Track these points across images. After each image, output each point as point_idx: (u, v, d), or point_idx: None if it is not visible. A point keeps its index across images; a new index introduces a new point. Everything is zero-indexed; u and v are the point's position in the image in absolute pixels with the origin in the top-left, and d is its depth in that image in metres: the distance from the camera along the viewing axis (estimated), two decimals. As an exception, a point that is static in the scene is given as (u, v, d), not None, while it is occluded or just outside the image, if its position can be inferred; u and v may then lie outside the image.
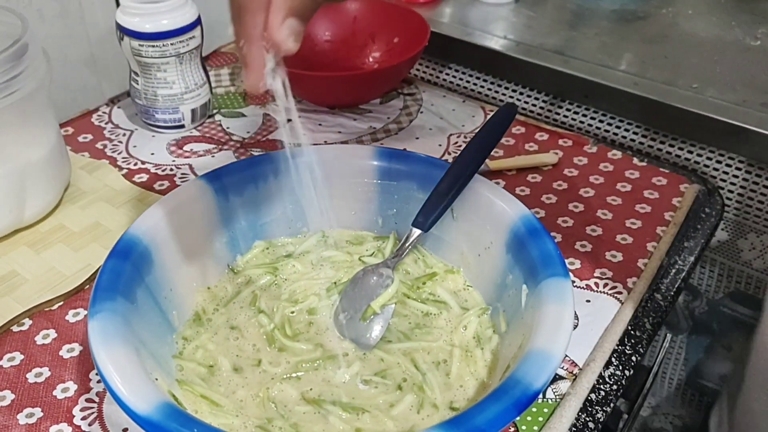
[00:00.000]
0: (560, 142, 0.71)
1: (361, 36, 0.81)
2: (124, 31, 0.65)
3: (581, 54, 0.80)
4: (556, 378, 0.47)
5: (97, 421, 0.44)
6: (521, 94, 0.82)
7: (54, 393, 0.46)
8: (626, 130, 0.76)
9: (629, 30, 0.86)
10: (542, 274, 0.42)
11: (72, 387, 0.46)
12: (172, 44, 0.66)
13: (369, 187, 0.53)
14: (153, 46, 0.65)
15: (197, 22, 0.67)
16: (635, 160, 0.68)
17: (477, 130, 0.71)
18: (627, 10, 0.91)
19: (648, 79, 0.75)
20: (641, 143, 0.75)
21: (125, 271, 0.42)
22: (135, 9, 0.64)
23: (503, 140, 0.71)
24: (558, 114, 0.79)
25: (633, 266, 0.56)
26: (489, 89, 0.84)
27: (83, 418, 0.45)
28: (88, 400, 0.46)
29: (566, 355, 0.48)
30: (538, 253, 0.44)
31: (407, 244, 0.50)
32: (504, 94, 0.83)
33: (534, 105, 0.81)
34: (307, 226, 0.54)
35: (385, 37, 0.80)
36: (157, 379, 0.39)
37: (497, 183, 0.64)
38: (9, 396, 0.46)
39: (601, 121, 0.77)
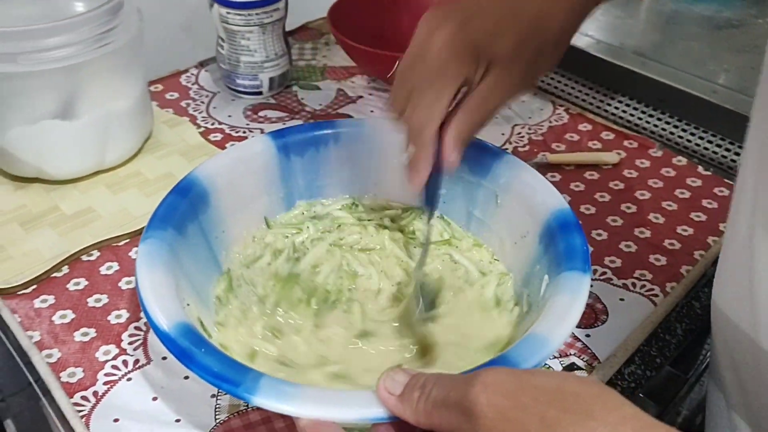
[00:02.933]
0: (625, 143, 0.70)
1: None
2: (214, -2, 0.70)
3: (663, 58, 0.78)
4: (574, 368, 0.48)
5: (141, 348, 0.49)
6: (597, 92, 0.81)
7: (108, 318, 0.51)
8: (699, 137, 0.74)
9: (719, 37, 0.84)
10: (564, 267, 0.43)
11: (124, 315, 0.51)
12: (257, 14, 0.70)
13: None
14: (239, 15, 0.69)
15: (282, -6, 0.71)
16: (700, 168, 0.66)
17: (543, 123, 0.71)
18: (721, 17, 0.87)
19: (728, 89, 0.73)
20: (710, 152, 0.73)
21: (181, 207, 0.47)
22: (227, -22, 0.69)
23: (567, 135, 0.71)
24: (631, 116, 0.78)
25: (675, 271, 0.55)
26: (563, 84, 0.84)
27: (130, 343, 0.49)
28: (136, 328, 0.50)
29: (588, 348, 0.49)
30: (564, 246, 0.45)
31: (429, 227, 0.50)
32: (579, 91, 0.82)
33: (606, 104, 0.80)
34: (357, 192, 0.57)
35: (465, 25, 0.81)
36: (188, 305, 0.43)
37: (552, 176, 0.65)
38: (70, 315, 0.51)
39: (675, 126, 0.76)
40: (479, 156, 0.53)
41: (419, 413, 0.31)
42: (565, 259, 0.44)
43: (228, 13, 0.69)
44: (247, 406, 0.45)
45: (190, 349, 0.37)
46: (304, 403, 0.34)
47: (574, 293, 0.41)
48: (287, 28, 0.76)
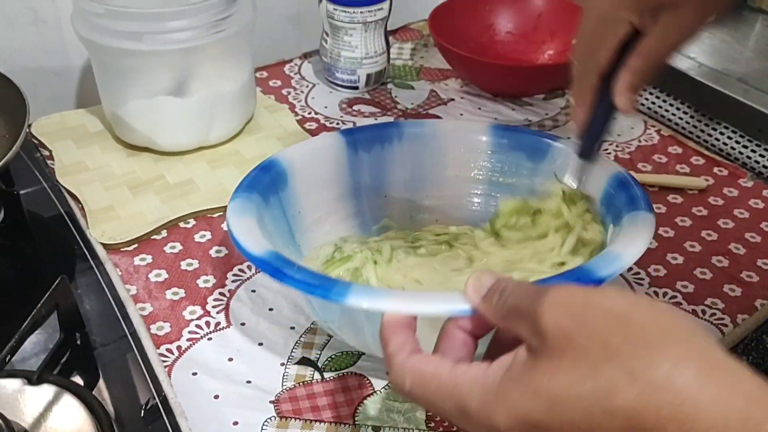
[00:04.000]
0: (715, 169, 0.69)
1: (542, 32, 0.83)
2: (323, -5, 0.74)
3: (767, 86, 0.76)
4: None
5: (223, 312, 0.53)
6: (691, 117, 0.80)
7: (197, 281, 0.56)
8: (796, 172, 0.72)
9: (832, 71, 0.80)
10: (626, 210, 0.46)
11: (212, 280, 0.56)
12: (361, 12, 0.73)
13: (481, 157, 0.58)
14: (345, 11, 0.73)
15: (388, -5, 0.74)
16: (791, 204, 0.65)
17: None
18: (837, 49, 0.84)
19: (833, 124, 0.70)
20: (810, 189, 0.71)
21: (264, 180, 0.51)
22: (337, -23, 0.73)
23: (655, 156, 0.70)
24: (725, 143, 0.76)
25: (749, 304, 0.54)
26: (658, 105, 0.83)
27: (213, 306, 0.54)
28: (221, 294, 0.55)
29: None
30: (625, 197, 0.48)
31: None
32: (674, 114, 0.81)
33: (700, 129, 0.79)
34: (421, 188, 0.59)
35: (564, 37, 0.82)
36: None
37: (634, 195, 0.65)
38: (164, 275, 0.56)
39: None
40: (535, 144, 0.56)
41: (496, 316, 0.33)
42: (628, 206, 0.47)
43: (335, 9, 0.73)
44: (312, 377, 0.48)
45: (283, 266, 0.42)
46: (393, 300, 0.37)
47: (641, 224, 0.44)
48: (390, 28, 0.79)
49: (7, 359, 0.44)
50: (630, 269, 0.57)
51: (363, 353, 0.50)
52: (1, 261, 0.59)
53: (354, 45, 0.75)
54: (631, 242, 0.43)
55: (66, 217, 0.61)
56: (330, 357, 0.50)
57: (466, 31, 0.81)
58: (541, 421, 0.28)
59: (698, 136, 0.78)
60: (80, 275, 0.56)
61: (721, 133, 0.77)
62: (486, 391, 0.29)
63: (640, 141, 0.73)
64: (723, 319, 0.53)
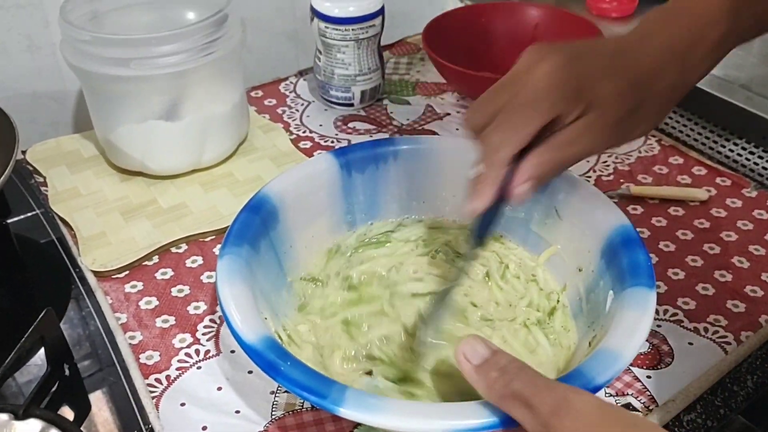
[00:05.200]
0: (718, 179, 0.67)
1: (533, 42, 0.82)
2: (315, 13, 0.73)
3: (771, 93, 0.75)
4: (630, 408, 0.47)
5: (213, 339, 0.52)
6: (693, 126, 0.78)
7: (187, 308, 0.55)
8: (803, 180, 0.70)
9: (838, 74, 0.78)
10: (629, 282, 0.44)
11: (202, 306, 0.55)
12: (353, 30, 0.72)
13: None
14: (336, 29, 0.72)
15: (380, 12, 0.73)
16: (796, 214, 0.63)
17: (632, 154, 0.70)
18: (843, 52, 0.82)
19: (839, 130, 0.68)
20: (817, 198, 0.69)
21: (254, 224, 0.49)
22: (329, -5, 0.72)
23: (656, 167, 0.69)
24: (730, 152, 0.75)
25: (753, 320, 0.53)
26: (662, 115, 0.81)
27: (203, 334, 0.53)
28: (211, 320, 0.54)
29: (647, 389, 0.48)
30: (628, 261, 0.45)
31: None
32: (677, 122, 0.80)
33: (703, 138, 0.77)
34: (415, 208, 0.58)
35: (562, 48, 0.81)
36: (266, 319, 0.46)
37: (634, 209, 0.63)
38: (154, 302, 0.55)
39: (776, 167, 0.72)
40: None
41: (492, 393, 0.32)
42: (630, 275, 0.44)
43: (326, 27, 0.73)
44: (302, 405, 0.47)
45: (276, 362, 0.39)
46: (389, 414, 0.36)
47: (641, 308, 0.41)
48: (386, 42, 0.78)
49: (-9, 394, 0.43)
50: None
51: (354, 380, 0.49)
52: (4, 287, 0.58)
53: (347, 62, 0.74)
54: (631, 336, 0.40)
55: (58, 245, 0.61)
56: (320, 384, 0.49)
57: (461, 45, 0.80)
58: None
59: (701, 146, 0.76)
60: (71, 304, 0.55)
61: (725, 142, 0.75)
62: None
63: (640, 152, 0.71)
64: (726, 336, 0.51)
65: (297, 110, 0.78)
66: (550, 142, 0.42)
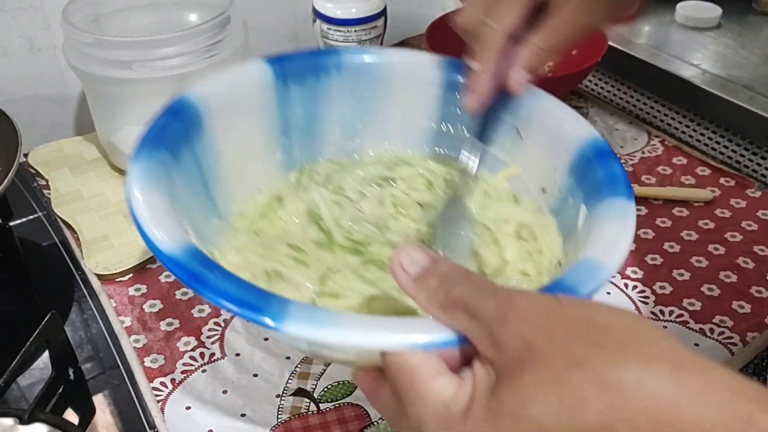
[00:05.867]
0: (722, 180, 0.67)
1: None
2: (317, 14, 0.73)
3: (774, 92, 0.75)
4: (636, 410, 0.46)
5: (218, 342, 0.52)
6: (698, 125, 0.78)
7: (192, 311, 0.55)
8: (806, 180, 0.70)
9: (840, 74, 0.78)
10: (606, 194, 0.40)
11: (206, 310, 0.55)
12: (355, 31, 0.72)
13: (431, 97, 0.51)
14: (338, 31, 0.72)
15: (382, 13, 0.73)
16: (801, 214, 0.63)
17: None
18: None
19: (843, 130, 0.68)
20: (821, 197, 0.69)
21: (174, 128, 0.42)
22: (331, -4, 0.72)
23: (659, 168, 0.69)
24: (733, 152, 0.75)
25: (759, 321, 0.52)
26: (662, 115, 0.81)
27: (208, 337, 0.53)
28: (215, 324, 0.54)
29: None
30: (603, 174, 0.41)
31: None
32: (679, 122, 0.80)
33: (706, 138, 0.77)
34: (361, 130, 0.52)
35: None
36: (187, 232, 0.38)
37: (638, 210, 0.63)
38: (158, 305, 0.55)
39: (779, 167, 0.72)
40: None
41: (433, 304, 0.29)
42: (607, 187, 0.40)
43: (329, 29, 0.72)
44: (308, 409, 0.47)
45: (201, 272, 0.32)
46: (342, 328, 0.29)
47: (622, 218, 0.38)
48: (389, 43, 0.78)
49: (-3, 399, 0.43)
50: (635, 287, 0.56)
51: (360, 382, 0.49)
52: (6, 292, 0.58)
53: (350, 63, 0.74)
54: (614, 246, 0.36)
55: (61, 248, 0.61)
56: (326, 387, 0.49)
57: (464, 45, 0.80)
58: None
59: (704, 146, 0.76)
60: (75, 307, 0.55)
61: (728, 143, 0.75)
62: (447, 424, 0.27)
63: (643, 152, 0.71)
64: (732, 337, 0.51)
65: (299, 112, 0.78)
66: (543, 26, 0.41)
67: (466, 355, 0.29)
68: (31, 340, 0.46)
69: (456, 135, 0.51)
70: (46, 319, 0.47)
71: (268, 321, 0.30)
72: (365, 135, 0.52)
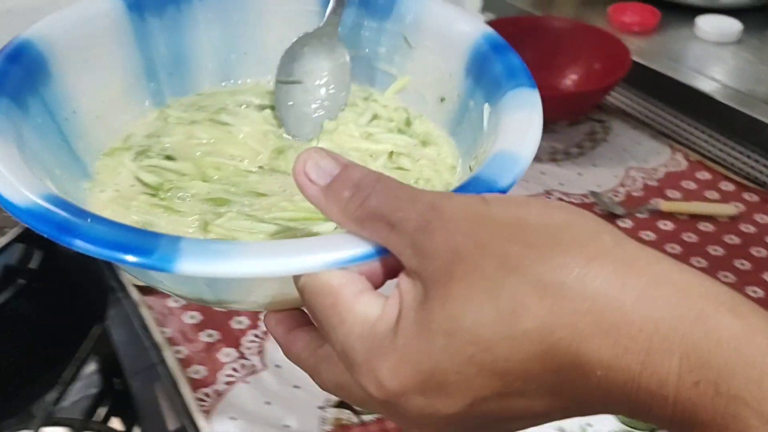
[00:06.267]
0: (745, 195, 0.68)
1: (563, 57, 0.83)
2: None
3: (795, 108, 0.76)
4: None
5: (258, 354, 0.53)
6: (719, 140, 0.79)
7: (230, 323, 0.56)
8: (827, 195, 0.71)
9: None
10: (507, 87, 0.37)
11: (245, 321, 0.56)
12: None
13: (311, 16, 0.45)
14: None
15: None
16: (824, 230, 0.64)
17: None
18: None
19: None
20: (842, 213, 0.70)
21: (13, 75, 0.36)
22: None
23: (683, 182, 0.70)
24: (753, 167, 0.76)
25: (787, 337, 0.54)
26: (683, 129, 0.82)
27: (248, 348, 0.54)
28: (255, 336, 0.55)
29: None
30: (501, 67, 0.38)
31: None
32: (700, 137, 0.81)
33: (727, 153, 0.78)
34: (236, 62, 0.47)
35: (585, 62, 0.82)
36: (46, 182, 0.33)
37: (664, 225, 0.65)
38: (198, 316, 0.56)
39: (800, 182, 0.73)
40: None
41: (348, 217, 0.26)
42: (507, 79, 0.38)
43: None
44: (350, 419, 0.48)
45: (72, 221, 0.27)
46: (247, 257, 0.26)
47: (528, 107, 0.35)
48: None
49: (53, 408, 0.44)
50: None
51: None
52: (38, 304, 0.59)
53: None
54: (523, 135, 0.34)
55: (96, 260, 0.62)
56: (366, 399, 0.50)
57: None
58: (436, 367, 0.23)
59: (726, 161, 0.77)
60: (115, 318, 0.56)
61: (749, 157, 0.76)
62: (372, 344, 0.24)
63: (667, 167, 0.73)
64: (761, 353, 0.52)
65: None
66: None
67: (390, 271, 0.26)
68: (80, 351, 0.47)
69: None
70: (92, 331, 0.49)
71: (158, 262, 0.26)
72: (242, 68, 0.46)
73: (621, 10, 0.91)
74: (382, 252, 0.26)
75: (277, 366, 0.52)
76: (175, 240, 0.26)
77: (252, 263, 0.25)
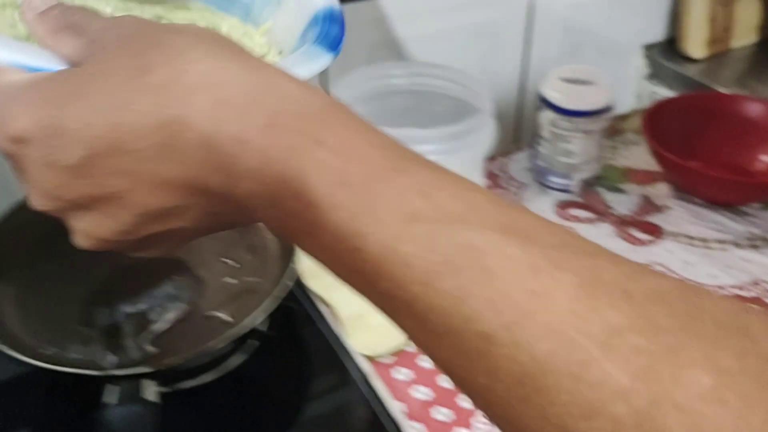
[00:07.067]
0: None
1: (756, 137, 0.82)
2: (545, 103, 0.76)
3: None
4: None
5: (491, 436, 0.54)
6: None
7: (457, 400, 0.57)
8: None
9: None
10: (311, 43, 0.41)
11: (473, 401, 0.57)
12: (583, 122, 0.74)
13: None
14: (568, 122, 0.75)
15: (610, 107, 0.75)
16: None
17: None
18: None
19: None
20: None
21: None
22: (560, 87, 0.74)
23: None
24: None
25: None
26: None
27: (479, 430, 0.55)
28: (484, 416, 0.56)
29: None
30: (319, 32, 0.42)
31: None
32: None
33: None
34: None
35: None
36: None
37: None
38: (428, 393, 0.58)
39: None
40: None
41: (47, 30, 0.29)
42: (317, 40, 0.41)
43: (558, 119, 0.75)
44: None
45: None
46: None
47: (310, 61, 0.39)
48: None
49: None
50: None
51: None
52: (276, 369, 0.61)
53: (571, 151, 0.76)
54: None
55: (317, 324, 0.64)
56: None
57: (678, 134, 0.81)
58: (59, 115, 0.26)
59: None
60: (349, 389, 0.58)
61: None
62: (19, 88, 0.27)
63: None
64: None
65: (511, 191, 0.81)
66: None
67: None
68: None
69: None
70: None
71: None
72: None
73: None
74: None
75: None
76: None
77: None
